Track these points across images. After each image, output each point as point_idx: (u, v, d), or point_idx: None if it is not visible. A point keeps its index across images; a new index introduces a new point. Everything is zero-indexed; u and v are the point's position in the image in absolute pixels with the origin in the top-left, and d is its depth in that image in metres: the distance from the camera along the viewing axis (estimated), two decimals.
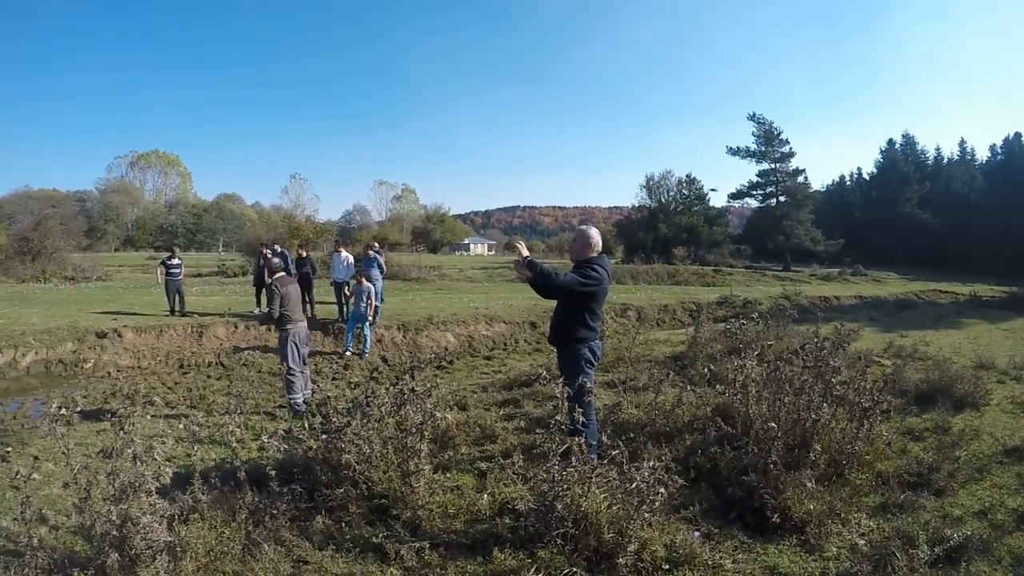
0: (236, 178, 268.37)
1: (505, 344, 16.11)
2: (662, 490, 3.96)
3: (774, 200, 69.49)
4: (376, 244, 17.98)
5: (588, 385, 4.95)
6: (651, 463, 4.15)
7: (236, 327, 15.72)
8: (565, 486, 4.12)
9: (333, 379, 12.97)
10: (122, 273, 38.78)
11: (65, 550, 4.68)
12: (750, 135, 69.61)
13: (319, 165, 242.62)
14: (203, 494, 4.69)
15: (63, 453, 4.39)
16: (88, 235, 64.00)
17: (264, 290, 16.41)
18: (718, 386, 6.63)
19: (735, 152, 70.76)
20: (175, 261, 17.53)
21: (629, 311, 19.80)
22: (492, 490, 5.12)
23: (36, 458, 6.40)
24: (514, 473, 4.92)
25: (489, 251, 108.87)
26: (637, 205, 79.33)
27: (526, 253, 5.39)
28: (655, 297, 23.19)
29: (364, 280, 14.34)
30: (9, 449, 8.35)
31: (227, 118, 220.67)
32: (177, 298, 17.42)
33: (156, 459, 4.29)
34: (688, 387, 7.20)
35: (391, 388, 5.65)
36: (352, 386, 12.11)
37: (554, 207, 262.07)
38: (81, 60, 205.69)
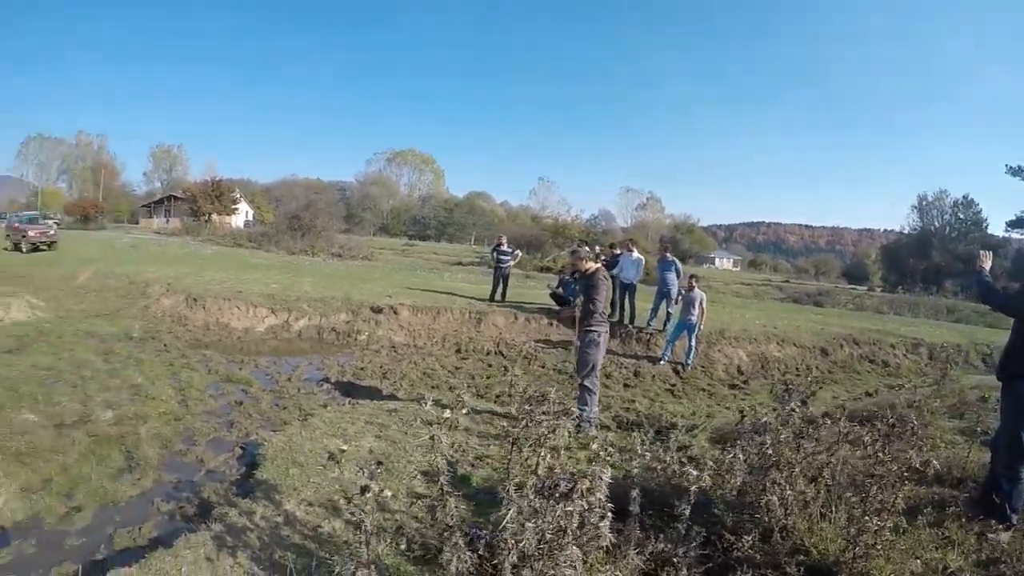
0: (485, 177, 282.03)
1: (797, 369, 14.13)
2: None
3: None
4: (668, 246, 16.89)
5: None
6: None
7: (516, 317, 15.02)
8: None
9: (625, 385, 11.72)
10: (384, 255, 40.58)
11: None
12: None
13: (565, 168, 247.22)
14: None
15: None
16: (346, 220, 69.10)
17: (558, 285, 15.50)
18: None
19: (1015, 172, 61.91)
20: (506, 249, 17.29)
21: (920, 348, 16.86)
22: None
23: (342, 450, 5.33)
24: None
25: (734, 267, 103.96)
26: (908, 228, 71.08)
27: (988, 265, 4.91)
28: (941, 335, 19.75)
29: (696, 287, 12.83)
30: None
31: (481, 120, 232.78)
32: (502, 285, 17.24)
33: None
34: None
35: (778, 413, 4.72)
36: (651, 396, 10.90)
37: (800, 225, 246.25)
38: (348, 63, 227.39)
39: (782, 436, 4.40)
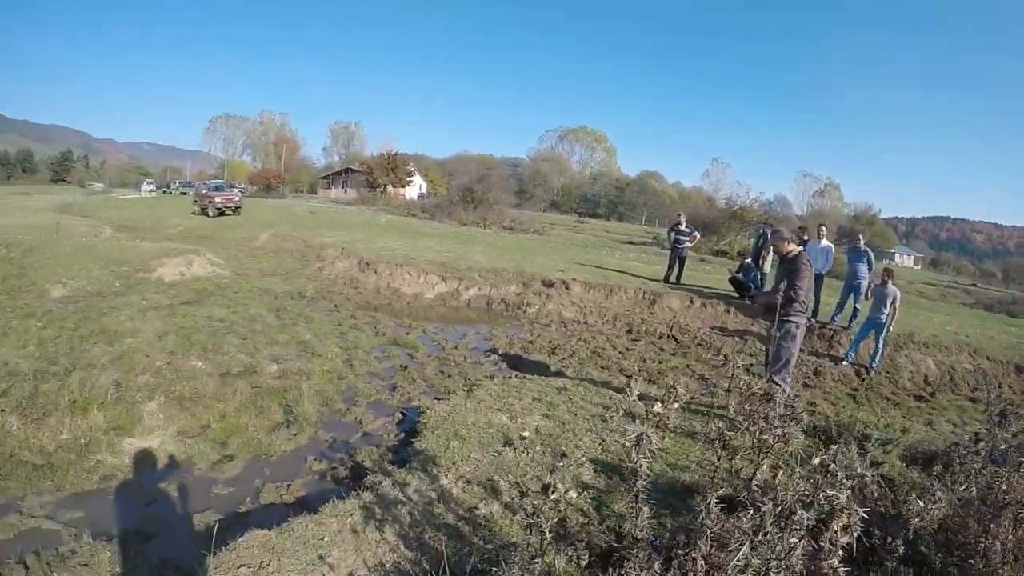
0: (658, 157, 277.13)
1: (987, 386, 11.93)
2: None
3: None
4: (863, 235, 14.76)
5: None
6: None
7: (692, 301, 13.85)
8: None
9: (805, 384, 10.41)
10: (555, 230, 40.31)
11: None
12: None
13: (741, 148, 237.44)
14: None
15: None
16: (518, 195, 69.48)
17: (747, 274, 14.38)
18: None
19: None
20: (684, 228, 16.19)
21: None
22: None
23: (524, 437, 4.75)
24: None
25: (915, 264, 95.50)
26: None
27: None
28: None
29: (890, 282, 11.15)
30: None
31: (655, 101, 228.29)
32: (678, 266, 16.19)
33: None
34: None
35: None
36: (832, 400, 9.66)
37: (989, 224, 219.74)
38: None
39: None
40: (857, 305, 12.71)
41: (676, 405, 3.16)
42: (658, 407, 3.04)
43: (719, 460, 3.67)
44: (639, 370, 9.55)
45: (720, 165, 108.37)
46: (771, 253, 14.34)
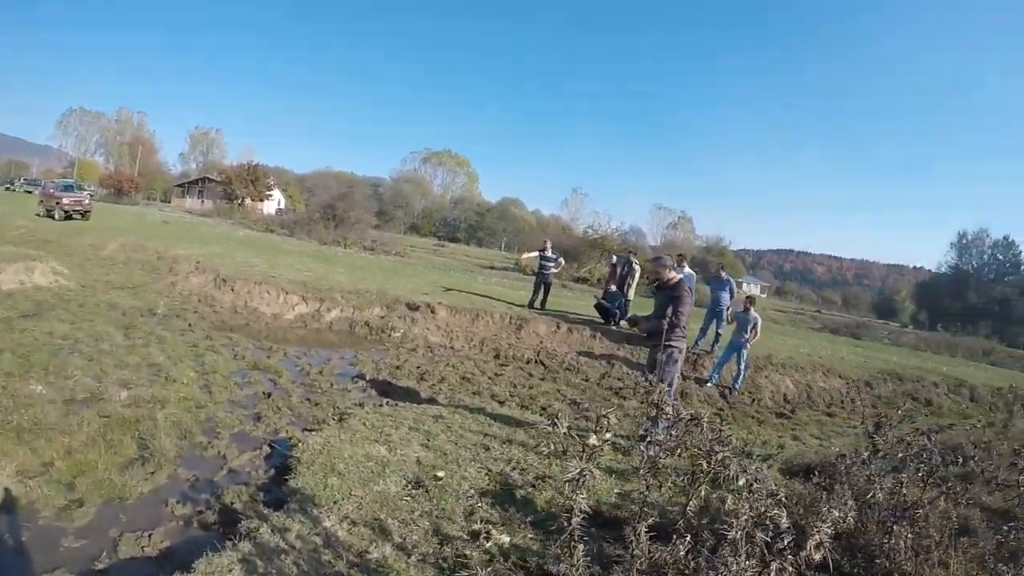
0: (519, 185, 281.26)
1: (842, 401, 13.40)
2: None
3: None
4: (724, 265, 15.89)
5: None
6: None
7: (558, 326, 14.21)
8: None
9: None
10: (416, 253, 40.20)
11: None
12: None
13: (599, 183, 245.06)
14: None
15: None
16: (378, 216, 68.93)
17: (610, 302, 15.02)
18: None
19: None
20: (550, 255, 16.42)
21: (963, 389, 16.14)
22: None
23: (438, 477, 4.69)
24: None
25: (762, 293, 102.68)
26: (945, 267, 70.43)
27: None
28: (982, 377, 18.93)
29: (752, 309, 12.08)
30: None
31: (516, 131, 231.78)
32: (543, 291, 16.44)
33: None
34: None
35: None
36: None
37: (829, 256, 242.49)
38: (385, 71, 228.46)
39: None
40: (719, 330, 13.57)
41: (608, 435, 3.23)
42: (593, 439, 3.10)
43: (648, 489, 3.77)
44: (510, 396, 9.68)
45: (579, 195, 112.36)
46: (635, 280, 15.10)
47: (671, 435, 3.56)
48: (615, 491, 5.36)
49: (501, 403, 9.04)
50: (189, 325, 11.10)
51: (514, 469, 5.66)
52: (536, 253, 16.81)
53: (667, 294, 7.05)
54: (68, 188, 29.47)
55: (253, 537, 3.99)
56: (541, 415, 8.55)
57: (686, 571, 2.86)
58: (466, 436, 6.44)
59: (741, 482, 3.07)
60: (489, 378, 10.75)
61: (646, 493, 3.74)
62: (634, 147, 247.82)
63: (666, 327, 6.79)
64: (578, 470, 2.91)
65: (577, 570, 3.03)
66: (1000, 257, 67.56)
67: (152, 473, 5.28)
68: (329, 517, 4.32)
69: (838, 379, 14.23)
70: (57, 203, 26.65)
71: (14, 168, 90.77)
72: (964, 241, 69.71)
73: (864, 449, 4.55)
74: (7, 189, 56.47)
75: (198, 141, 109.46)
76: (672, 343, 6.87)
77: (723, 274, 14.03)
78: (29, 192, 46.40)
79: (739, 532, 2.73)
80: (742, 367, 12.12)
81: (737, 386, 12.15)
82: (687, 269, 14.07)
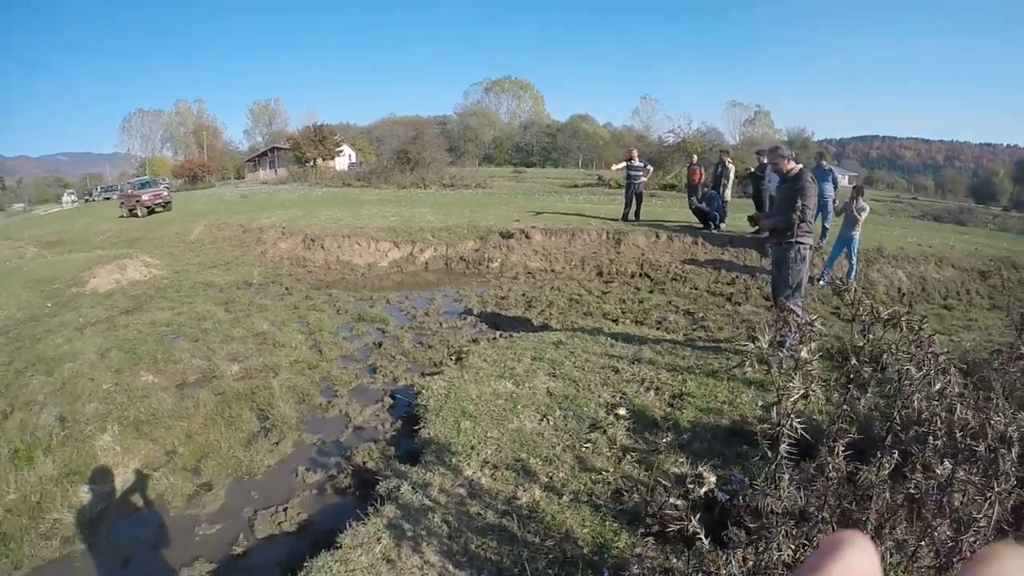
0: (587, 99, 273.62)
1: (958, 293, 12.33)
2: None
3: None
4: (824, 153, 14.38)
5: None
6: None
7: (657, 236, 13.42)
8: None
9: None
10: (497, 182, 39.66)
11: None
12: None
13: (669, 86, 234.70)
14: None
15: None
16: (450, 153, 68.45)
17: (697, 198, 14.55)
18: None
19: None
20: (638, 164, 15.64)
21: None
22: None
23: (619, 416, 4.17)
24: None
25: (849, 183, 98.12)
26: None
27: None
28: None
29: (860, 198, 11.20)
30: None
31: (576, 44, 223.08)
32: (635, 203, 15.80)
33: None
34: None
35: None
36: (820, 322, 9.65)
37: (917, 139, 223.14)
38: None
39: None
40: (826, 224, 12.55)
41: (814, 345, 2.58)
42: (804, 352, 2.47)
43: (845, 402, 3.15)
44: (622, 312, 9.12)
45: (649, 101, 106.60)
46: (731, 180, 14.06)
47: (867, 339, 2.84)
48: (759, 403, 4.85)
49: (615, 321, 8.52)
50: (287, 289, 10.96)
51: (648, 389, 5.13)
52: (623, 164, 15.94)
53: (789, 187, 6.32)
54: (145, 185, 29.60)
55: (395, 498, 3.66)
56: (658, 329, 8.02)
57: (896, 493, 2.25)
58: (591, 360, 5.97)
59: (936, 387, 2.48)
60: (597, 297, 10.20)
61: (846, 407, 3.07)
62: (701, 40, 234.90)
63: (793, 222, 6.05)
64: (801, 390, 2.26)
65: (782, 503, 2.45)
66: None
67: (276, 443, 5.05)
68: (469, 464, 3.97)
69: (951, 269, 13.05)
70: (137, 201, 26.83)
71: (89, 180, 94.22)
72: None
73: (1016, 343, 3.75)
74: (87, 201, 58.06)
75: (259, 115, 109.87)
76: (800, 239, 6.18)
77: (824, 163, 12.77)
78: (108, 199, 47.28)
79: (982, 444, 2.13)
80: (854, 261, 11.21)
81: (851, 282, 11.12)
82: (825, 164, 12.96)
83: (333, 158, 56.16)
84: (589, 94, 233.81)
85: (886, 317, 2.60)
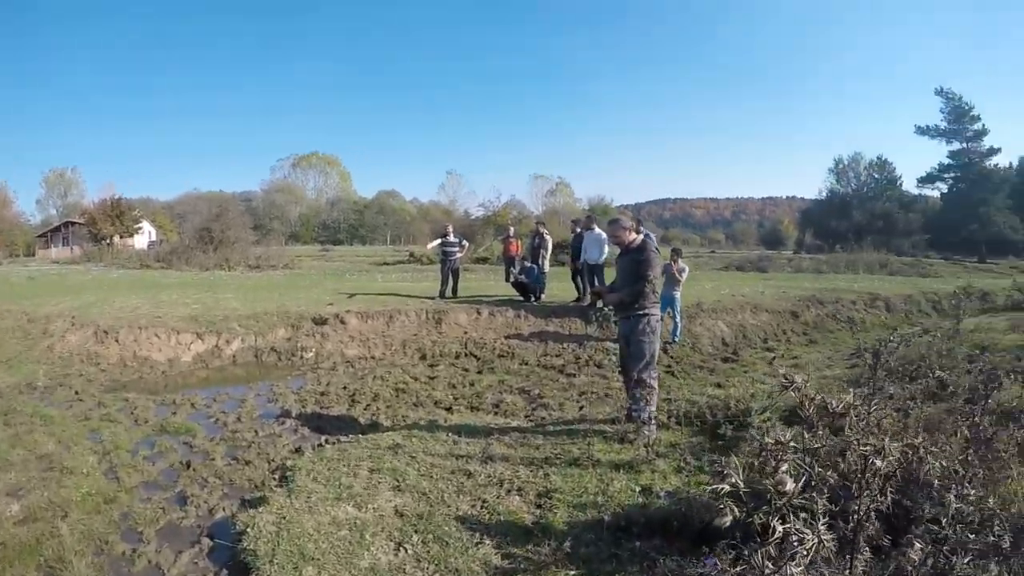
0: (393, 174, 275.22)
1: (775, 334, 13.90)
2: None
3: (964, 184, 66.81)
4: (640, 220, 15.50)
5: None
6: None
7: (479, 313, 13.68)
8: None
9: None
10: (305, 262, 38.99)
11: None
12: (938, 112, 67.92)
13: (473, 161, 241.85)
14: None
15: None
16: (255, 231, 66.66)
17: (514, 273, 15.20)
18: None
19: (924, 131, 68.84)
20: (453, 239, 15.99)
21: (878, 302, 17.62)
22: None
23: None
24: None
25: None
26: (825, 192, 78.40)
27: None
28: (891, 288, 20.77)
29: (679, 260, 12.14)
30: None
31: (382, 122, 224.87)
32: (452, 279, 15.99)
33: None
34: None
35: None
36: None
37: (705, 199, 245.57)
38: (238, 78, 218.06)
39: None
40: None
41: None
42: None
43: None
44: (454, 399, 8.95)
45: (455, 177, 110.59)
46: (548, 251, 14.77)
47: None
48: (633, 488, 4.88)
49: (448, 409, 8.35)
50: (76, 393, 9.71)
51: (510, 492, 5.06)
52: (439, 241, 16.18)
53: (631, 258, 6.57)
54: None
55: None
56: (496, 414, 8.01)
57: None
58: (437, 463, 5.74)
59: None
60: (424, 383, 10.02)
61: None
62: (501, 121, 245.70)
63: (644, 292, 6.34)
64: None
65: None
66: (876, 176, 73.74)
67: None
68: None
69: (766, 314, 14.69)
70: None
71: None
72: (841, 166, 76.07)
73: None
74: None
75: (54, 184, 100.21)
76: (649, 311, 6.41)
77: (641, 229, 13.81)
78: None
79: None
80: (678, 319, 12.15)
81: (677, 339, 12.13)
82: (598, 230, 13.81)
83: (132, 236, 52.91)
84: (395, 169, 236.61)
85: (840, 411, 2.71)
